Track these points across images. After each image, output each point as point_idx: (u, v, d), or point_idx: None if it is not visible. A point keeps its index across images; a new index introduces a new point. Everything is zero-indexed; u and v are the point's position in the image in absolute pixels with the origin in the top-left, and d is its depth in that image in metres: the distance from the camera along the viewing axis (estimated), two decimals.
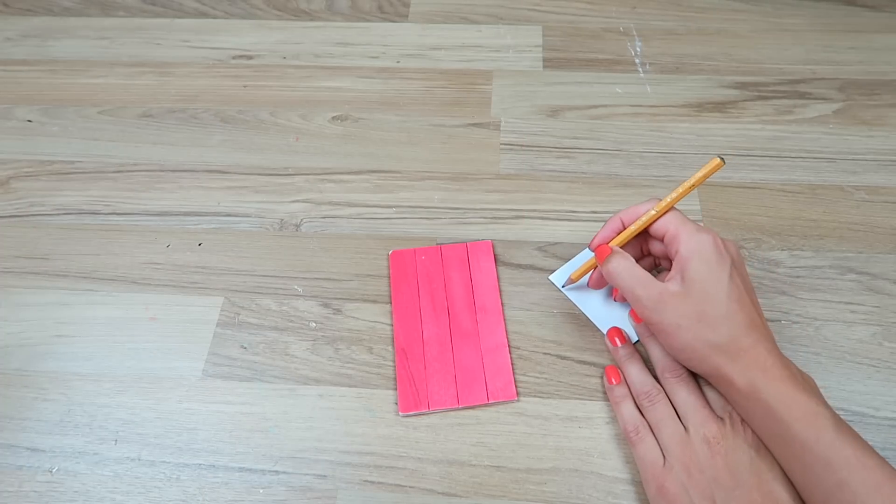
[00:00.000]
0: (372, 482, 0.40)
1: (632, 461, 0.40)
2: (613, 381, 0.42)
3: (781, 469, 0.36)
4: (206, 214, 0.53)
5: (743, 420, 0.38)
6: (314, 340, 0.46)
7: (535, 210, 0.52)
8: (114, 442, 0.43)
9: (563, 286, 0.48)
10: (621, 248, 0.42)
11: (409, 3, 0.69)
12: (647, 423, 0.40)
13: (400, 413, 0.43)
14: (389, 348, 0.46)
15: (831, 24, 0.64)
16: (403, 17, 0.67)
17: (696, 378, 0.41)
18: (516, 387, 0.43)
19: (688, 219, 0.40)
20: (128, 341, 0.47)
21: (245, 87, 0.62)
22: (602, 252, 0.42)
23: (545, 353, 0.45)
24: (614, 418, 0.42)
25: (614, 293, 0.47)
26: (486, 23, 0.66)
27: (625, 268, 0.40)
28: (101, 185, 0.55)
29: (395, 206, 0.53)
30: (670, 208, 0.41)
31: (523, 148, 0.56)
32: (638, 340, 0.45)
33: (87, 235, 0.52)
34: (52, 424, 0.43)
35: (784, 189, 0.52)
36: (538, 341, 0.46)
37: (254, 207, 0.53)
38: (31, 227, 0.53)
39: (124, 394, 0.44)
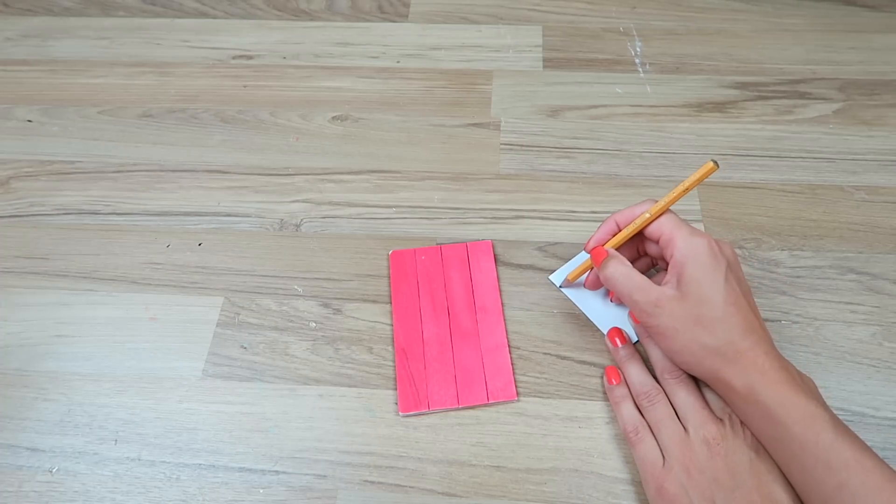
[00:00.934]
0: (372, 482, 0.41)
1: (631, 461, 0.40)
2: (613, 381, 0.42)
3: (781, 470, 0.36)
4: (206, 214, 0.53)
5: (742, 421, 0.38)
6: (314, 340, 0.46)
7: (535, 210, 0.52)
8: (114, 442, 0.43)
9: (560, 286, 0.48)
10: (617, 250, 0.42)
11: (409, 3, 0.68)
12: (647, 423, 0.40)
13: (400, 413, 0.43)
14: (389, 348, 0.46)
15: (831, 24, 0.64)
16: (403, 17, 0.67)
17: (696, 379, 0.41)
18: (516, 387, 0.43)
19: (683, 221, 0.40)
20: (128, 341, 0.47)
21: (245, 87, 0.62)
22: (598, 254, 0.42)
23: (545, 353, 0.45)
24: (614, 418, 0.42)
25: (610, 295, 0.47)
26: (486, 23, 0.66)
27: (621, 273, 0.40)
28: (101, 185, 0.55)
29: (395, 206, 0.53)
30: (665, 211, 0.41)
31: (523, 148, 0.56)
32: (638, 341, 0.45)
33: (87, 235, 0.52)
34: (52, 424, 0.43)
35: (784, 189, 0.52)
36: (538, 341, 0.46)
37: (254, 207, 0.53)
38: (31, 227, 0.53)
39: (124, 394, 0.44)
